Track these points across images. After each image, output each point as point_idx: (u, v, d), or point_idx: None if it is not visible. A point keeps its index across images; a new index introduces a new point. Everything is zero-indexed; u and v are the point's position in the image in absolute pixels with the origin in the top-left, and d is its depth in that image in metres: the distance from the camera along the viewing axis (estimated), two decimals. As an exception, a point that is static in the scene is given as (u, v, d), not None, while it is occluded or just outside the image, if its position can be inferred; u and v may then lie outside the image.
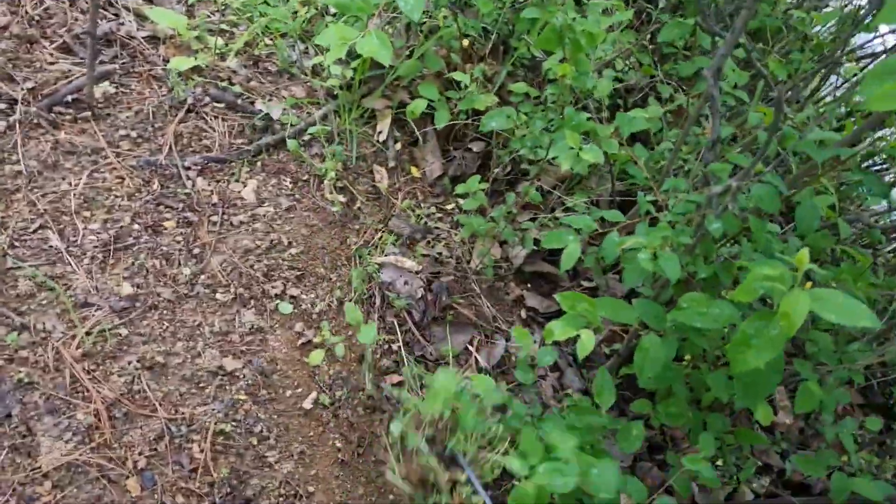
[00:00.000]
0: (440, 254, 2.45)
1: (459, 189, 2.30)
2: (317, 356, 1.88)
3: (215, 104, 2.27)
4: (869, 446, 2.11)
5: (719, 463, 2.19)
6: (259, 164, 2.23)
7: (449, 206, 2.62)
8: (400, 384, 2.08)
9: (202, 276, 1.91)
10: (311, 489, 1.78)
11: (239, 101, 2.32)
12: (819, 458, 1.73)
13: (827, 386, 1.59)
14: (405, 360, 2.10)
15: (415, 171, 2.64)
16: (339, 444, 1.89)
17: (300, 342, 1.97)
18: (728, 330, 1.51)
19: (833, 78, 2.81)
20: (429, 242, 2.47)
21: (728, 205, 1.33)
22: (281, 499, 1.72)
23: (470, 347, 2.26)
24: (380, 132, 2.62)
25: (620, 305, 1.50)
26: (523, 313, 2.50)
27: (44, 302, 1.67)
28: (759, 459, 2.46)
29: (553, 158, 2.35)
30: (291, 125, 2.36)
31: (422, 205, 2.54)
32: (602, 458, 1.21)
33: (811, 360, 1.68)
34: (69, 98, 1.99)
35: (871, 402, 2.66)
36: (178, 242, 1.93)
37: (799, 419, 2.66)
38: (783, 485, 2.34)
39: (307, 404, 1.89)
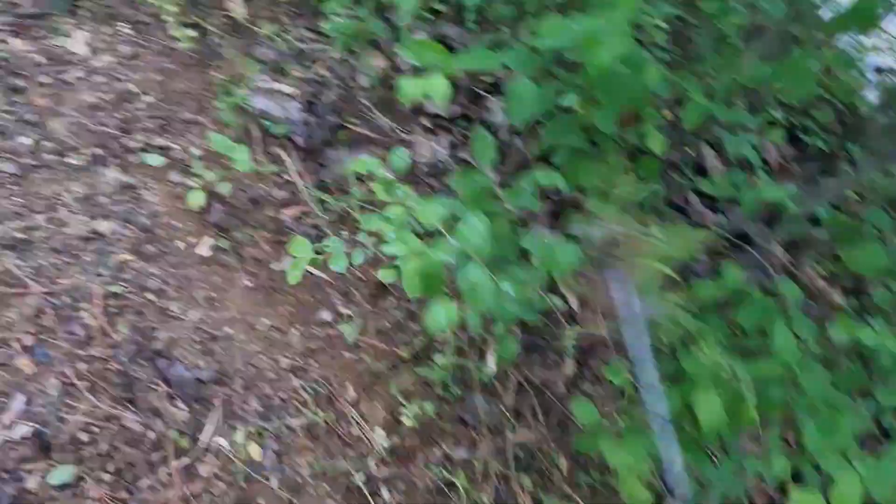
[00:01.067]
0: (321, 75, 2.26)
1: (317, -7, 2.07)
2: (196, 197, 1.75)
3: (11, -48, 1.95)
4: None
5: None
6: (83, 12, 1.96)
7: (325, 25, 2.38)
8: (303, 215, 1.98)
9: (46, 143, 1.72)
10: (228, 330, 1.72)
11: (40, -55, 2.00)
12: (725, 178, 1.69)
13: (716, 97, 1.51)
14: (301, 188, 1.99)
15: (273, -7, 2.38)
16: (249, 283, 1.81)
17: (178, 191, 1.83)
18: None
19: None
20: (305, 66, 2.26)
21: None
22: (197, 345, 1.66)
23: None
24: (221, -45, 2.32)
25: (483, 53, 1.37)
26: (427, 122, 2.36)
27: None
28: (692, 218, 2.46)
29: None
30: (112, -37, 2.05)
31: (289, 29, 2.31)
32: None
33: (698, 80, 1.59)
34: None
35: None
36: (9, 113, 1.72)
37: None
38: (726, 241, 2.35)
39: (204, 251, 1.79)
